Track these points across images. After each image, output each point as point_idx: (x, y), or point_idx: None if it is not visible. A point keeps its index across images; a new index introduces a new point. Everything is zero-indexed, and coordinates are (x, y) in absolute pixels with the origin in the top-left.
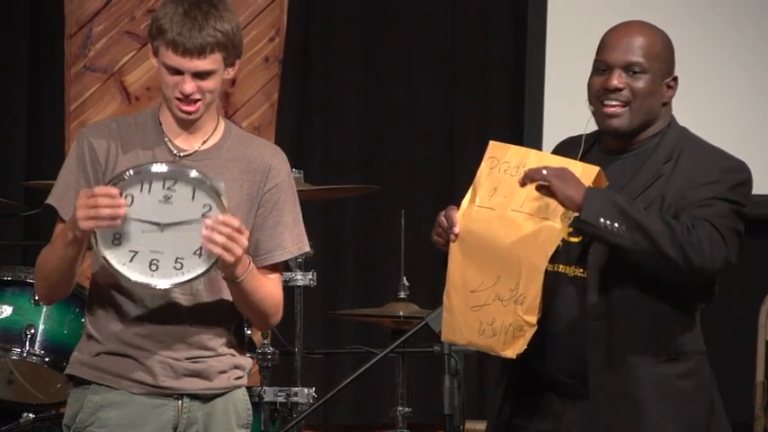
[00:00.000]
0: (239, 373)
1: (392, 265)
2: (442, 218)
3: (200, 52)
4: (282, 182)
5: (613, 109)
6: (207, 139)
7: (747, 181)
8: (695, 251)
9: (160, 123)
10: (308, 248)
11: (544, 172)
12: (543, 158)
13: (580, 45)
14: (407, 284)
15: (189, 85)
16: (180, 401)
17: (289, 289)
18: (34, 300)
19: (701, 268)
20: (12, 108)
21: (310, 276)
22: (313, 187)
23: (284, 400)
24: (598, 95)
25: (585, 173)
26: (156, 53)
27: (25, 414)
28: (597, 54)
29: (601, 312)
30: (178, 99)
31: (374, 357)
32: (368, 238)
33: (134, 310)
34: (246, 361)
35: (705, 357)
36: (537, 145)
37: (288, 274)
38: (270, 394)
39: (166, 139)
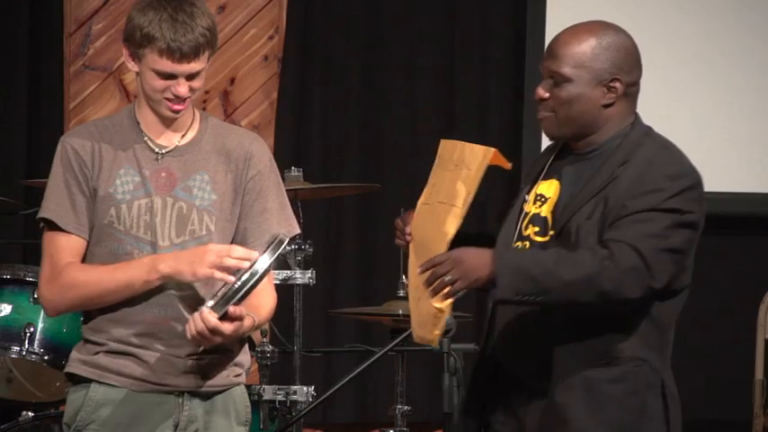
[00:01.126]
0: (238, 370)
1: (391, 264)
2: (398, 221)
3: (195, 55)
4: (264, 168)
5: (542, 114)
6: (185, 134)
7: (694, 186)
8: (615, 288)
9: (138, 123)
10: (297, 230)
11: (443, 270)
12: (473, 150)
13: None
14: (407, 283)
15: (184, 88)
16: (180, 399)
17: (288, 287)
18: (33, 299)
19: (624, 301)
20: (11, 106)
21: (309, 275)
22: (312, 186)
23: (283, 399)
24: (537, 104)
25: (487, 155)
26: (137, 58)
27: (24, 412)
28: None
29: (547, 313)
30: (168, 100)
31: (373, 356)
32: (367, 237)
33: (133, 309)
34: (245, 358)
35: (644, 363)
36: (536, 145)
37: (287, 273)
38: (269, 393)
39: (146, 138)
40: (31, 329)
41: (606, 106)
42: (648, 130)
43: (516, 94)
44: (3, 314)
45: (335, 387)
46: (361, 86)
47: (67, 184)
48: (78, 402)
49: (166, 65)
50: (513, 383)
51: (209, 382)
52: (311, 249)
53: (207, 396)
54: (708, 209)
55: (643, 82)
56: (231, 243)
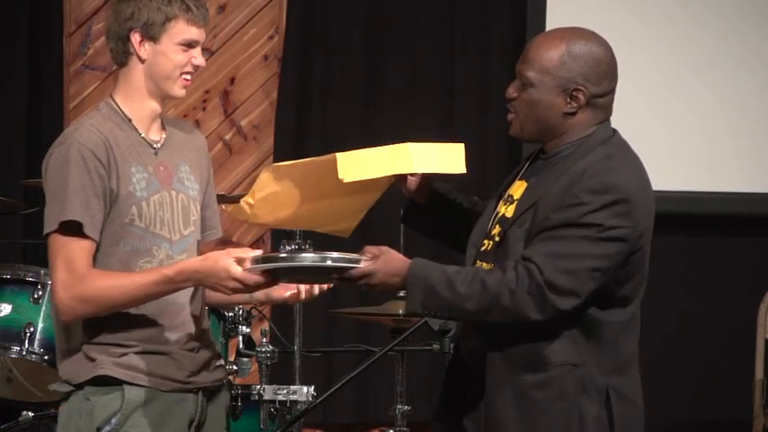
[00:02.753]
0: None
1: None
2: None
3: (209, 20)
4: (209, 160)
5: (509, 116)
6: (162, 127)
7: (620, 200)
8: (515, 311)
9: (129, 119)
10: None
11: (357, 276)
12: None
13: None
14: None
15: (201, 57)
16: (197, 395)
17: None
18: (33, 299)
19: (528, 321)
20: (11, 106)
21: None
22: None
23: (283, 399)
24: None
25: (335, 163)
26: (154, 40)
27: (24, 412)
28: None
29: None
30: (186, 74)
31: (373, 356)
32: (367, 237)
33: (154, 308)
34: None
35: (575, 368)
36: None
37: None
38: (269, 392)
39: (141, 133)
40: (31, 329)
41: (568, 114)
42: (607, 138)
43: None
44: (3, 314)
45: (335, 387)
46: (361, 86)
47: (84, 187)
48: (114, 405)
49: (194, 32)
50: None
51: (218, 376)
52: (311, 249)
53: (214, 390)
54: (709, 209)
55: (643, 82)
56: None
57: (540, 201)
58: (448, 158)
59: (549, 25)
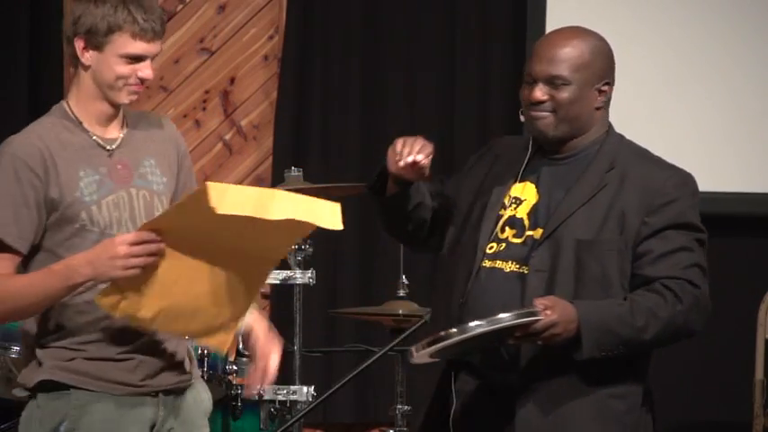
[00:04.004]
0: (195, 364)
1: (391, 264)
2: (402, 143)
3: (161, 34)
4: (185, 146)
5: (539, 113)
6: (123, 124)
7: (697, 189)
8: (686, 327)
9: (80, 122)
10: None
11: (539, 330)
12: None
13: None
14: (407, 283)
15: (149, 69)
16: (157, 398)
17: (288, 287)
18: None
19: (692, 335)
20: (11, 107)
21: (309, 275)
22: (312, 185)
23: (283, 399)
24: (525, 105)
25: (207, 201)
26: (96, 49)
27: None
28: (527, 64)
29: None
30: (131, 85)
31: (373, 356)
32: (367, 237)
33: (100, 310)
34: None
35: (642, 380)
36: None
37: (287, 273)
38: (269, 393)
39: (93, 135)
40: None
41: (597, 109)
42: (622, 137)
43: (516, 95)
44: None
45: (335, 387)
46: (361, 86)
47: (14, 198)
48: (62, 411)
49: (139, 46)
50: (481, 380)
51: (182, 378)
52: (311, 249)
53: (179, 392)
54: (709, 209)
55: (643, 82)
56: None
57: (605, 196)
58: (322, 213)
59: (549, 25)
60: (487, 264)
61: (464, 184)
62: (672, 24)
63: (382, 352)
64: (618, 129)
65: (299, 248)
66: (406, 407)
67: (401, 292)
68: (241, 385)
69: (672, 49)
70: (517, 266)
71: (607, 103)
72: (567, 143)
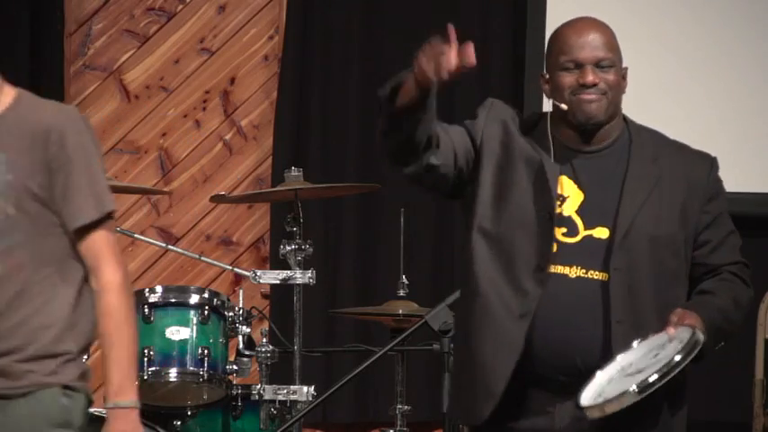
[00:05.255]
0: (51, 366)
1: (391, 264)
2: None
3: None
4: (69, 142)
5: (593, 96)
6: None
7: None
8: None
9: None
10: (109, 208)
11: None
12: None
13: None
14: (407, 283)
15: None
16: None
17: (288, 287)
18: None
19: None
20: None
21: (310, 275)
22: (312, 186)
23: (283, 399)
24: (573, 91)
25: None
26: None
27: None
28: (562, 54)
29: (624, 315)
30: None
31: (374, 356)
32: (367, 237)
33: None
34: (67, 350)
35: None
36: None
37: (287, 273)
38: (269, 392)
39: None
40: None
41: (622, 94)
42: (639, 124)
43: (517, 94)
44: None
45: (335, 387)
46: (361, 86)
47: None
48: None
49: None
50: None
51: (12, 384)
52: (311, 249)
53: (14, 397)
54: None
55: (643, 81)
56: (51, 224)
57: (665, 194)
58: None
59: (549, 25)
60: (556, 268)
61: (480, 141)
62: (671, 24)
63: (382, 352)
64: None
65: (299, 248)
66: (406, 407)
67: (401, 292)
68: (241, 385)
69: (671, 48)
70: (583, 271)
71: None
72: (601, 131)
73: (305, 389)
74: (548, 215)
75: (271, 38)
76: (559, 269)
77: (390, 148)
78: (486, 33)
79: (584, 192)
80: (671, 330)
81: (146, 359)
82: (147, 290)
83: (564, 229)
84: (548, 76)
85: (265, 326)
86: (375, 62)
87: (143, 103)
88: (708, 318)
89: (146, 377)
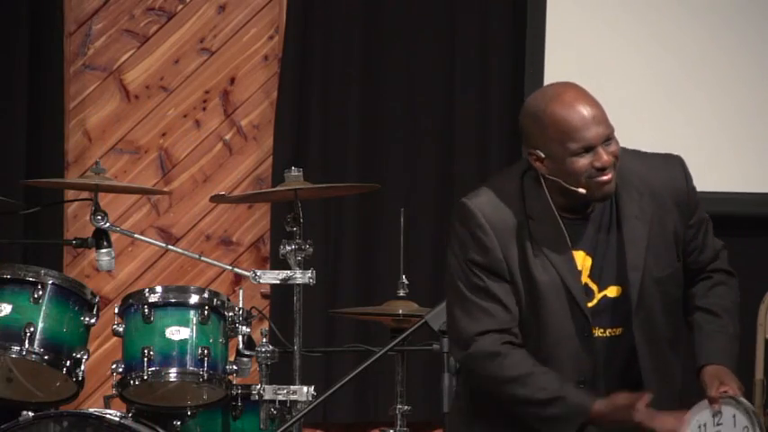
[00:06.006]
0: None
1: (392, 264)
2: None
3: None
4: None
5: (608, 177)
6: None
7: None
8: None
9: None
10: None
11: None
12: None
13: (580, 47)
14: (407, 283)
15: None
16: None
17: (288, 287)
18: (33, 298)
19: None
20: (11, 106)
21: (309, 275)
22: (312, 186)
23: (283, 399)
24: (588, 173)
25: None
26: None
27: (24, 412)
28: (569, 140)
29: (650, 362)
30: None
31: (373, 355)
32: (367, 237)
33: None
34: None
35: None
36: None
37: (287, 273)
38: (269, 392)
39: None
40: (31, 329)
41: None
42: None
43: (517, 93)
44: (3, 314)
45: (335, 387)
46: (361, 86)
47: None
48: None
49: None
50: None
51: None
52: (311, 249)
53: None
54: (709, 209)
55: (643, 82)
56: None
57: (652, 234)
58: None
59: (549, 25)
60: (600, 331)
61: (509, 275)
62: (672, 25)
63: (382, 352)
64: (617, 128)
65: (299, 248)
66: (406, 407)
67: (401, 292)
68: (241, 385)
69: (671, 49)
70: (602, 331)
71: None
72: None
73: (305, 389)
74: (583, 328)
75: (271, 38)
76: (599, 331)
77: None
78: (486, 33)
79: (591, 256)
80: (715, 406)
81: (146, 359)
82: (147, 290)
83: (585, 297)
84: (543, 155)
85: (265, 326)
86: (375, 62)
87: (143, 103)
88: (733, 363)
89: (146, 377)
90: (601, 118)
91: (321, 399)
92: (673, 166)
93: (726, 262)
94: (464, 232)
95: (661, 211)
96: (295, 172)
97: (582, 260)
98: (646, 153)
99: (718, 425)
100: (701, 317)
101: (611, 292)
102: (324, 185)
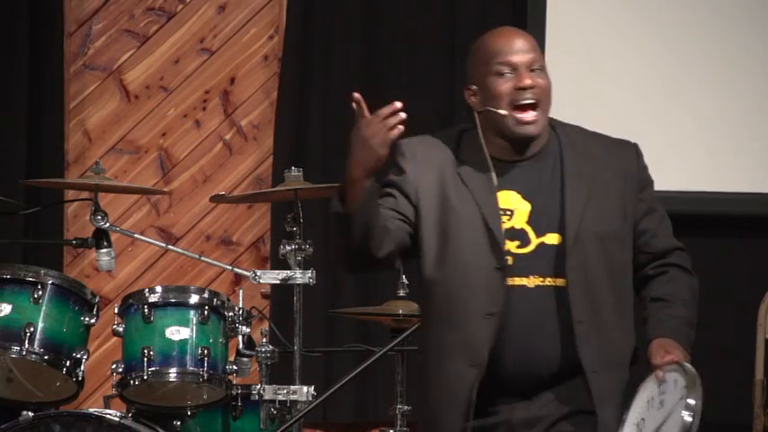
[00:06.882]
0: None
1: None
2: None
3: None
4: None
5: (531, 116)
6: None
7: None
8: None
9: None
10: None
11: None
12: None
13: (580, 47)
14: (407, 283)
15: None
16: None
17: (288, 287)
18: (33, 298)
19: None
20: (11, 106)
21: (310, 275)
22: (312, 186)
23: (283, 399)
24: (511, 98)
25: None
26: None
27: (24, 412)
28: (494, 58)
29: (585, 314)
30: None
31: (373, 355)
32: None
33: None
34: None
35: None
36: None
37: (287, 273)
38: (269, 392)
39: None
40: (31, 329)
41: None
42: (564, 123)
43: None
44: (3, 314)
45: (335, 387)
46: (362, 86)
47: None
48: None
49: None
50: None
51: None
52: (311, 249)
53: None
54: (709, 209)
55: (642, 82)
56: None
57: (600, 189)
58: None
59: (549, 24)
60: (514, 280)
61: (416, 198)
62: (672, 24)
63: (382, 352)
64: (617, 129)
65: (299, 248)
66: (406, 407)
67: (401, 292)
68: (241, 385)
69: (672, 48)
70: (541, 279)
71: None
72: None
73: (305, 389)
74: (497, 264)
75: (271, 38)
76: (518, 281)
77: (353, 258)
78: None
79: (529, 201)
80: (659, 374)
81: (146, 359)
82: (147, 290)
83: (517, 242)
84: (475, 88)
85: (265, 326)
86: (375, 62)
87: (143, 103)
88: (683, 340)
89: (146, 377)
90: (529, 47)
91: (321, 399)
92: (626, 147)
93: (686, 261)
94: (390, 161)
95: (607, 175)
96: (295, 172)
97: (517, 202)
98: (604, 135)
99: (662, 393)
100: (653, 306)
101: (550, 239)
102: (324, 185)
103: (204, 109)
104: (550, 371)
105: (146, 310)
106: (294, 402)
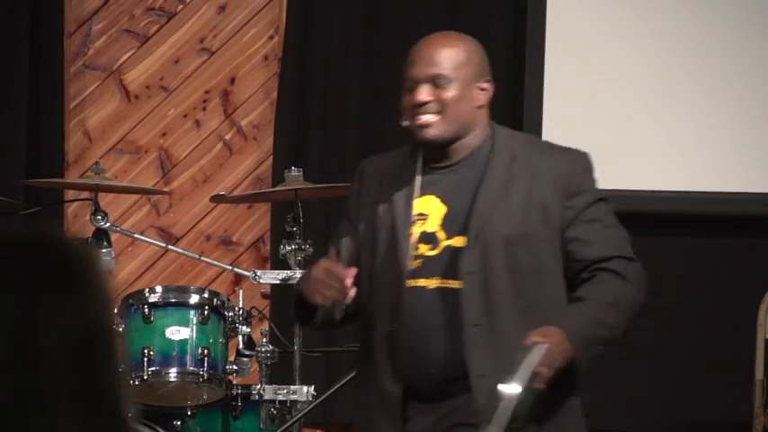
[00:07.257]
0: None
1: None
2: (332, 270)
3: None
4: None
5: (426, 119)
6: None
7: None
8: (639, 301)
9: None
10: None
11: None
12: None
13: (580, 47)
14: None
15: None
16: None
17: (288, 287)
18: None
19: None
20: (11, 106)
21: None
22: (312, 186)
23: (283, 399)
24: (411, 112)
25: None
26: None
27: None
28: (404, 71)
29: (479, 318)
30: None
31: None
32: None
33: None
34: None
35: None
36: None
37: (287, 273)
38: (269, 392)
39: None
40: None
41: (479, 107)
42: (510, 130)
43: (515, 95)
44: None
45: (335, 387)
46: (362, 86)
47: None
48: None
49: None
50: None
51: None
52: (311, 249)
53: None
54: (709, 209)
55: (643, 82)
56: None
57: (518, 189)
58: None
59: (549, 25)
60: (410, 283)
61: (361, 220)
62: (672, 24)
63: None
64: (617, 129)
65: (299, 248)
66: None
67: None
68: (241, 385)
69: (672, 49)
70: (441, 281)
71: (489, 101)
72: (455, 146)
73: (305, 389)
74: (400, 269)
75: (271, 38)
76: (421, 282)
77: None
78: (487, 33)
79: (447, 205)
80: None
81: (145, 359)
82: (146, 290)
83: (429, 245)
84: None
85: (265, 326)
86: (375, 62)
87: (143, 103)
88: (576, 334)
89: (146, 377)
90: (438, 59)
91: (321, 399)
92: (567, 155)
93: (626, 270)
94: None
95: (531, 182)
96: (295, 172)
97: (434, 206)
98: (553, 145)
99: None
100: (569, 305)
101: (457, 242)
102: (324, 185)
103: (204, 109)
104: (444, 374)
105: (146, 310)
106: (294, 402)
